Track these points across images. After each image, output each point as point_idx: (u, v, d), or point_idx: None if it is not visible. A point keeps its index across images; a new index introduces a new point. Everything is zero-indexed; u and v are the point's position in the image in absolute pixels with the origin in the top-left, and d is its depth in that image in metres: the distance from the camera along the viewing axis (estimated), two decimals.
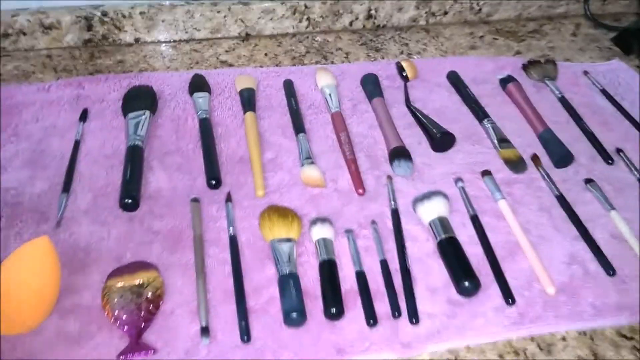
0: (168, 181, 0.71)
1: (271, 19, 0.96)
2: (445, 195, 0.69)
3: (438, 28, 1.02)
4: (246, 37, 0.96)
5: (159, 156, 0.74)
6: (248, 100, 0.82)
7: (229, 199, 0.68)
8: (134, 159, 0.71)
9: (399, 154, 0.74)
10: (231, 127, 0.79)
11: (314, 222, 0.65)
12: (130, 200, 0.66)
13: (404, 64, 0.89)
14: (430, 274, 0.63)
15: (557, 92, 0.88)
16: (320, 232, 0.64)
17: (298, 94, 0.85)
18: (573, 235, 0.68)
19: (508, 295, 0.61)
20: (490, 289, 0.62)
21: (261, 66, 0.91)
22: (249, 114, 0.79)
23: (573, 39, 1.02)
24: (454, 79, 0.88)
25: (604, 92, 0.89)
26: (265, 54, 0.93)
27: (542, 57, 0.97)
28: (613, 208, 0.71)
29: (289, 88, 0.85)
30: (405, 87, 0.86)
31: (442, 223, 0.66)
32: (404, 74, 0.88)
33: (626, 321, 0.61)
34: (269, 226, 0.64)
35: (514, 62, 0.94)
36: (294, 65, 0.92)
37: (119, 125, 0.77)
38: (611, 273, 0.64)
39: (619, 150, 0.79)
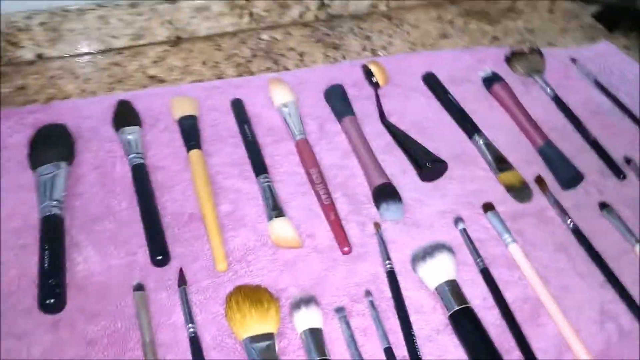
0: (100, 261, 0.55)
1: (206, 18, 0.79)
2: (449, 249, 0.57)
3: (401, 13, 0.88)
4: (177, 42, 0.79)
5: (85, 224, 0.58)
6: (190, 132, 0.66)
7: (182, 281, 0.53)
8: (52, 235, 0.55)
9: (386, 194, 0.61)
10: (172, 171, 0.63)
11: (296, 305, 0.52)
12: (52, 300, 0.51)
13: (372, 68, 0.74)
14: (445, 356, 0.52)
15: (548, 90, 0.76)
16: (306, 320, 0.51)
17: (251, 116, 0.69)
18: (599, 281, 0.58)
19: None
20: None
21: (200, 80, 0.74)
22: (194, 152, 0.63)
23: (551, 17, 0.90)
24: (431, 82, 0.75)
25: (598, 84, 0.78)
26: (203, 62, 0.77)
27: (521, 42, 0.85)
28: (638, 241, 0.60)
29: (239, 110, 0.69)
30: (378, 98, 0.72)
31: (453, 289, 0.54)
32: (373, 80, 0.74)
33: None
34: (239, 320, 0.50)
35: (495, 53, 0.81)
36: (240, 75, 0.76)
37: (27, 183, 0.60)
38: None
39: (627, 160, 0.69)
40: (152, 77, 0.74)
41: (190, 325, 0.51)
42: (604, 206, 0.63)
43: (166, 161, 0.64)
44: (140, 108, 0.68)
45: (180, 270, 0.54)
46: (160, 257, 0.55)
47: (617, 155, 0.69)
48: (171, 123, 0.68)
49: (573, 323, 0.54)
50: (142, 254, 0.56)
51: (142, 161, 0.62)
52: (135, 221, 0.58)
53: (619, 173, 0.67)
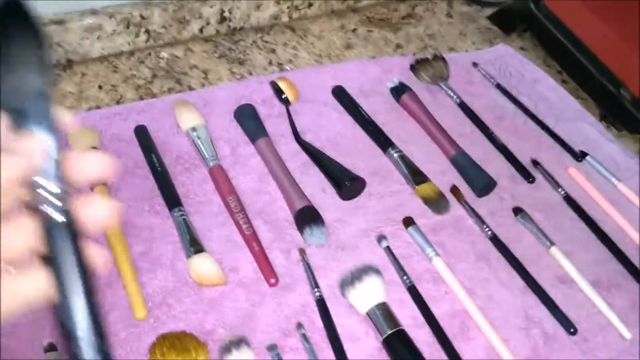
0: None
1: (98, 38, 0.73)
2: (377, 271, 0.56)
3: (304, 24, 0.86)
4: (68, 65, 0.73)
5: None
6: None
7: None
8: None
9: (309, 218, 0.59)
10: None
11: (226, 349, 0.49)
12: None
13: (281, 85, 0.72)
14: None
15: (454, 97, 0.77)
16: None
17: (157, 143, 0.65)
18: (520, 287, 0.60)
19: None
20: None
21: (98, 107, 0.69)
22: (99, 189, 0.59)
23: (450, 21, 0.92)
24: (341, 96, 0.74)
25: (500, 87, 0.80)
26: (100, 87, 0.72)
27: (424, 49, 0.86)
28: (552, 243, 0.63)
29: (143, 138, 0.65)
30: (290, 116, 0.70)
31: (384, 312, 0.53)
32: (283, 97, 0.72)
33: None
34: None
35: (400, 62, 0.81)
36: (142, 98, 0.71)
37: None
38: (572, 331, 0.56)
39: (535, 163, 0.71)
40: None
41: None
42: (517, 211, 0.65)
43: None
44: None
45: None
46: None
47: (525, 159, 0.72)
48: None
49: (500, 332, 0.55)
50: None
51: None
52: None
53: (528, 177, 0.69)
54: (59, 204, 0.27)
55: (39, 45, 0.28)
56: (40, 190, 0.27)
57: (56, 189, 0.27)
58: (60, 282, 0.27)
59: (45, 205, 0.27)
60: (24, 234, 0.27)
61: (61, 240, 0.27)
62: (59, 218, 0.27)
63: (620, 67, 0.76)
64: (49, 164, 0.27)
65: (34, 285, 0.28)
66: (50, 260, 0.27)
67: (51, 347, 0.48)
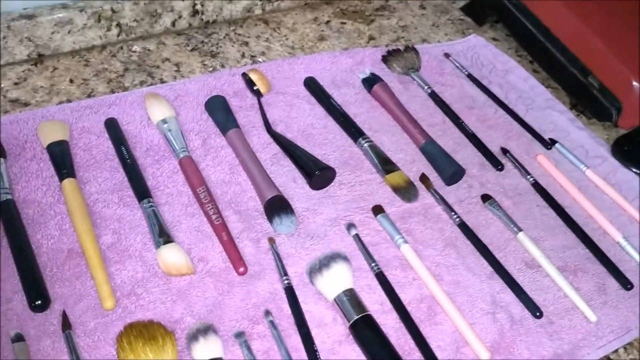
0: None
1: (69, 32, 0.73)
2: (345, 258, 0.57)
3: (277, 16, 0.87)
4: (39, 60, 0.73)
5: None
6: (61, 159, 0.61)
7: (66, 325, 0.49)
8: None
9: (278, 208, 0.60)
10: (45, 204, 0.58)
11: (193, 336, 0.50)
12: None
13: (253, 76, 0.73)
14: None
15: (425, 87, 0.78)
16: (206, 351, 0.49)
17: (128, 136, 0.65)
18: (488, 273, 0.60)
19: None
20: None
21: (69, 100, 0.69)
22: (68, 182, 0.59)
23: (423, 13, 0.93)
24: (313, 87, 0.75)
25: (471, 77, 0.81)
26: (71, 80, 0.72)
27: (397, 41, 0.86)
28: (520, 229, 0.63)
29: (113, 130, 0.65)
30: (262, 107, 0.71)
31: (351, 298, 0.54)
32: (255, 88, 0.72)
33: None
34: None
35: (372, 53, 0.82)
36: (113, 91, 0.71)
37: None
38: (537, 315, 0.57)
39: (504, 151, 0.72)
40: (14, 101, 0.68)
41: None
42: (486, 198, 0.66)
43: (37, 194, 0.59)
44: (3, 137, 0.63)
45: (63, 313, 0.50)
46: (39, 302, 0.50)
47: (494, 147, 0.73)
48: (40, 151, 0.62)
49: (467, 317, 0.56)
50: (19, 299, 0.51)
51: (9, 197, 0.57)
52: (7, 264, 0.53)
53: (497, 164, 0.70)
54: None
55: None
56: None
57: None
58: None
59: None
60: None
61: None
62: None
63: (588, 56, 0.77)
64: None
65: None
66: None
67: (18, 338, 0.48)
